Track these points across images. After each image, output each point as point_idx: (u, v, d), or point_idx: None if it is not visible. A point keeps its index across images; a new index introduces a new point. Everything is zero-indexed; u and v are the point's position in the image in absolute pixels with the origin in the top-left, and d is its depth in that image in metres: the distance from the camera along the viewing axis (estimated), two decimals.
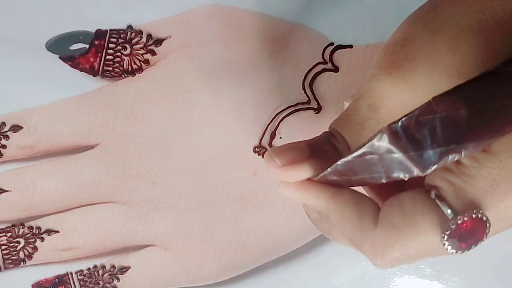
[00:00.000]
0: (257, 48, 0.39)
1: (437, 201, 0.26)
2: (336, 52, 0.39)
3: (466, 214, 0.25)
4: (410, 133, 0.24)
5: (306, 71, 0.39)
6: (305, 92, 0.39)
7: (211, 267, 0.39)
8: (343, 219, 0.28)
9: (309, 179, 0.29)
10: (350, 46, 0.39)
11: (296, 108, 0.39)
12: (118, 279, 0.40)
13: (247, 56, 0.39)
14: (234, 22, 0.40)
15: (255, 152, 0.39)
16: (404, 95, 0.28)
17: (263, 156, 0.39)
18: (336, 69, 0.39)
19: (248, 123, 0.39)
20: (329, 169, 0.27)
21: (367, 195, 0.29)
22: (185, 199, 0.39)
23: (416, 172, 0.25)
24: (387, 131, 0.25)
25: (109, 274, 0.40)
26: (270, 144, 0.39)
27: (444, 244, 0.25)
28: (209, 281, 0.40)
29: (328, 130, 0.30)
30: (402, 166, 0.25)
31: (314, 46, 0.39)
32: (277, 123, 0.39)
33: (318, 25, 0.39)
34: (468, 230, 0.25)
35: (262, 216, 0.39)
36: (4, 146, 0.40)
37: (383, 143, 0.25)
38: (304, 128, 0.39)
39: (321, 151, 0.29)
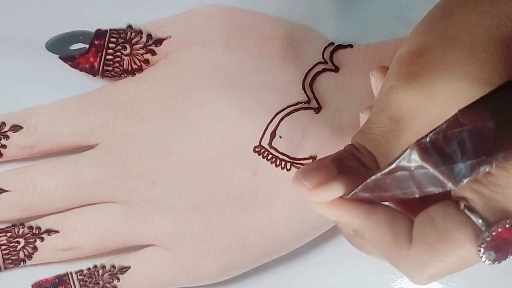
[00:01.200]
0: (257, 48, 0.39)
1: (468, 213, 0.26)
2: (337, 51, 0.39)
3: (499, 224, 0.25)
4: (439, 147, 0.25)
5: (306, 71, 0.39)
6: (305, 92, 0.39)
7: (211, 267, 0.39)
8: (378, 237, 0.28)
9: (340, 197, 0.28)
10: (351, 46, 0.39)
11: (296, 107, 0.39)
12: (118, 279, 0.40)
13: (247, 56, 0.39)
14: (234, 22, 0.40)
15: (255, 152, 0.39)
16: (425, 104, 0.28)
17: (263, 156, 0.39)
18: (336, 69, 0.39)
19: (248, 123, 0.39)
20: (359, 187, 0.27)
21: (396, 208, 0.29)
22: (185, 199, 0.39)
23: (449, 186, 0.25)
24: (417, 147, 0.25)
25: (109, 274, 0.40)
26: (270, 144, 0.39)
27: (481, 257, 0.25)
28: (209, 281, 0.40)
29: (351, 144, 0.30)
30: (435, 181, 0.25)
31: (314, 46, 0.39)
32: (277, 122, 0.39)
33: (318, 25, 0.39)
34: (504, 240, 0.25)
35: (262, 216, 0.39)
36: (4, 146, 0.40)
37: (413, 159, 0.25)
38: (304, 128, 0.39)
39: (348, 167, 0.28)
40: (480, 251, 0.25)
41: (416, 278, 0.27)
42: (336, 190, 0.28)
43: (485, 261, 0.25)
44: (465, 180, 0.25)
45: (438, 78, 0.28)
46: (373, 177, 0.27)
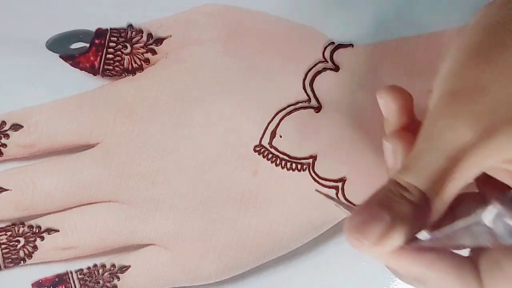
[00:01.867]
0: (257, 47, 0.39)
1: None
2: (337, 51, 0.39)
3: None
4: None
5: (307, 70, 0.39)
6: (306, 91, 0.39)
7: (211, 266, 0.39)
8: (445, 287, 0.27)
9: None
10: (351, 45, 0.39)
11: (296, 107, 0.39)
12: (118, 278, 0.40)
13: (247, 55, 0.39)
14: (234, 21, 0.39)
15: (255, 151, 0.39)
16: (486, 143, 0.27)
17: (263, 156, 0.39)
18: (336, 68, 0.39)
19: (248, 122, 0.39)
20: (426, 241, 0.27)
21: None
22: (185, 199, 0.39)
23: None
24: (498, 202, 0.25)
25: (109, 273, 0.40)
26: (270, 144, 0.39)
27: None
28: (209, 280, 0.40)
29: (396, 182, 0.28)
30: None
31: (314, 45, 0.39)
32: (277, 122, 0.39)
33: (318, 24, 0.39)
34: None
35: (262, 216, 0.39)
36: (4, 145, 0.40)
37: (494, 216, 0.25)
38: (304, 127, 0.39)
39: (400, 212, 0.27)
40: None
41: None
42: (396, 241, 0.27)
43: None
44: None
45: (502, 117, 0.27)
46: (444, 230, 0.26)
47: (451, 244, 0.27)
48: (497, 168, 0.28)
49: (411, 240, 0.27)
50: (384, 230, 0.26)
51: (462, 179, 0.28)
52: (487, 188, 0.30)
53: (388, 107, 0.33)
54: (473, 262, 0.27)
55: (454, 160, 0.27)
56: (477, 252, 0.28)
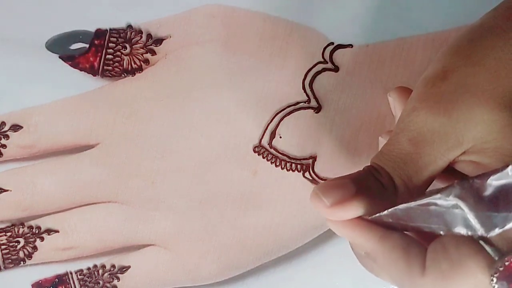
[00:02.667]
0: (257, 47, 0.39)
1: (482, 243, 0.26)
2: (336, 51, 0.39)
3: None
4: (481, 193, 0.25)
5: (306, 71, 0.39)
6: (305, 92, 0.39)
7: (211, 267, 0.39)
8: (391, 263, 0.28)
9: (358, 217, 0.28)
10: (350, 46, 0.39)
11: (296, 107, 0.39)
12: (118, 278, 0.40)
13: (247, 55, 0.39)
14: (234, 22, 0.39)
15: (255, 152, 0.39)
16: (445, 128, 0.28)
17: (263, 156, 0.39)
18: (336, 69, 0.39)
19: (248, 123, 0.39)
20: (386, 211, 0.27)
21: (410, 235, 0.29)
22: (185, 199, 0.39)
23: (480, 232, 0.25)
24: (458, 187, 0.25)
25: (109, 274, 0.40)
26: (270, 144, 0.39)
27: (494, 287, 0.25)
28: (209, 280, 0.40)
29: (370, 165, 0.30)
30: (466, 224, 0.25)
31: (314, 46, 0.39)
32: (277, 122, 0.39)
33: (318, 25, 0.39)
34: None
35: (262, 216, 0.39)
36: (4, 146, 0.40)
37: (451, 197, 0.25)
38: (304, 128, 0.39)
39: (367, 187, 0.28)
40: (492, 280, 0.25)
41: None
42: (354, 209, 0.28)
43: None
44: (498, 231, 0.25)
45: (459, 102, 0.28)
46: (404, 205, 0.27)
47: (407, 223, 0.27)
48: (461, 161, 0.29)
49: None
50: (345, 197, 0.28)
51: (426, 169, 0.29)
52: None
53: (396, 106, 0.34)
54: (423, 246, 0.28)
55: (416, 143, 0.28)
56: (430, 239, 0.28)
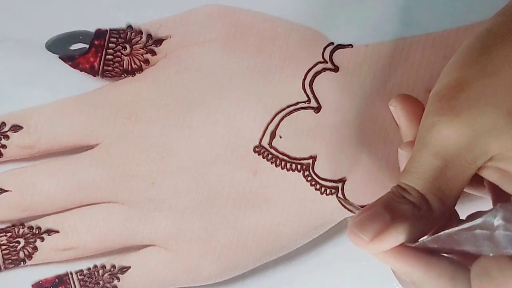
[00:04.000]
0: (257, 47, 0.39)
1: None
2: (336, 51, 0.39)
3: None
4: None
5: (306, 71, 0.39)
6: (305, 92, 0.39)
7: (211, 267, 0.39)
8: None
9: (401, 245, 0.28)
10: (350, 46, 0.39)
11: (296, 107, 0.39)
12: (118, 279, 0.40)
13: (247, 56, 0.39)
14: (234, 22, 0.39)
15: (255, 152, 0.39)
16: (469, 138, 0.28)
17: (263, 156, 0.39)
18: (336, 69, 0.39)
19: (248, 123, 0.39)
20: (429, 238, 0.27)
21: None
22: (185, 199, 0.39)
23: None
24: (502, 210, 0.25)
25: (109, 274, 0.40)
26: (270, 144, 0.39)
27: None
28: (209, 281, 0.40)
29: (397, 185, 0.30)
30: None
31: (314, 46, 0.39)
32: (277, 122, 0.39)
33: (318, 25, 0.39)
34: None
35: (262, 216, 0.39)
36: (4, 146, 0.40)
37: (497, 220, 0.25)
38: (304, 128, 0.39)
39: (401, 211, 0.28)
40: None
41: None
42: (394, 238, 0.28)
43: None
44: None
45: (480, 113, 0.28)
46: (447, 231, 0.27)
47: (452, 247, 0.27)
48: (488, 167, 0.29)
49: (414, 241, 0.28)
50: (382, 227, 0.28)
51: (457, 180, 0.29)
52: (498, 198, 0.31)
53: (399, 115, 0.34)
54: (467, 271, 0.28)
55: (443, 157, 0.28)
56: (473, 258, 0.28)
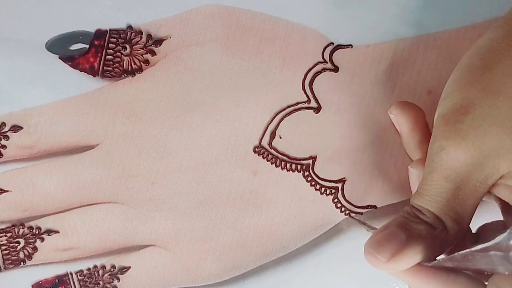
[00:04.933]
0: (257, 48, 0.39)
1: None
2: (336, 52, 0.39)
3: None
4: None
5: (306, 71, 0.39)
6: (305, 92, 0.39)
7: (211, 267, 0.39)
8: None
9: (418, 264, 0.29)
10: (350, 46, 0.39)
11: (295, 107, 0.39)
12: (118, 279, 0.40)
13: (247, 56, 0.39)
14: (234, 22, 0.39)
15: (255, 152, 0.39)
16: (479, 159, 0.29)
17: (263, 156, 0.39)
18: (336, 69, 0.39)
19: (248, 123, 0.39)
20: (445, 257, 0.28)
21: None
22: (185, 199, 0.39)
23: None
24: None
25: (109, 274, 0.40)
26: (270, 144, 0.39)
27: None
28: (209, 281, 0.40)
29: (411, 206, 0.30)
30: None
31: (314, 46, 0.39)
32: (277, 122, 0.39)
33: (318, 25, 0.39)
34: None
35: (262, 216, 0.39)
36: (4, 146, 0.40)
37: (508, 239, 0.25)
38: (304, 128, 0.39)
39: (416, 231, 0.29)
40: None
41: None
42: (411, 258, 0.28)
43: None
44: None
45: (487, 134, 0.28)
46: (462, 252, 0.27)
47: (467, 266, 0.28)
48: (498, 185, 0.29)
49: (430, 261, 0.28)
50: (398, 248, 0.28)
51: (470, 200, 0.29)
52: (508, 213, 0.31)
53: (400, 123, 0.34)
54: (484, 285, 0.28)
55: (453, 179, 0.29)
56: (489, 275, 0.28)
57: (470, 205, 0.30)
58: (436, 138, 0.30)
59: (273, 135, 0.39)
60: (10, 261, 0.40)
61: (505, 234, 0.26)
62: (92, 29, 0.40)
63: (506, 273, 0.26)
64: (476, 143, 0.29)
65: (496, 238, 0.26)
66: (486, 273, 0.29)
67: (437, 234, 0.29)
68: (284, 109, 0.39)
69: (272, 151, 0.39)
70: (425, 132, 0.35)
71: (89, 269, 0.40)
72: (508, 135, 0.28)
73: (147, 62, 0.40)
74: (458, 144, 0.29)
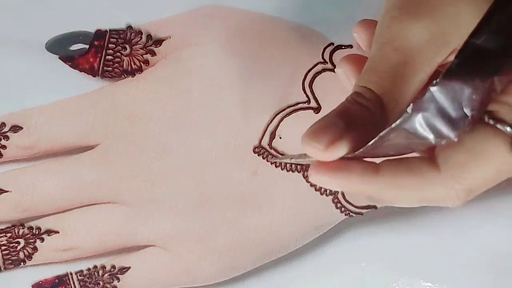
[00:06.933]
0: (257, 48, 0.39)
1: (496, 124, 0.25)
2: (336, 52, 0.39)
3: None
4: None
5: (306, 71, 0.39)
6: (305, 92, 0.39)
7: (211, 267, 0.39)
8: (402, 189, 0.27)
9: (341, 160, 0.27)
10: (350, 46, 0.39)
11: (295, 108, 0.39)
12: (118, 279, 0.40)
13: (247, 56, 0.39)
14: (234, 22, 0.40)
15: (255, 152, 0.39)
16: (431, 29, 0.27)
17: (263, 157, 0.39)
18: None
19: (248, 123, 0.39)
20: (368, 144, 0.26)
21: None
22: (185, 199, 0.39)
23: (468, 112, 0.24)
24: (415, 103, 0.24)
25: (109, 275, 0.40)
26: (270, 145, 0.39)
27: None
28: (209, 281, 0.40)
29: (353, 92, 0.29)
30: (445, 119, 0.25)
31: (314, 46, 0.39)
32: (276, 123, 0.39)
33: (318, 25, 0.39)
34: None
35: (262, 216, 0.39)
36: (4, 147, 0.40)
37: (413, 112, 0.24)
38: (303, 128, 0.38)
39: (355, 118, 0.27)
40: None
41: (453, 199, 0.26)
42: (347, 147, 0.27)
43: None
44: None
45: (442, 8, 0.27)
46: (371, 142, 0.26)
47: (391, 146, 0.26)
48: (449, 62, 0.28)
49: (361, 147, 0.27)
50: (336, 136, 0.26)
51: (415, 78, 0.28)
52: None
53: (363, 40, 0.33)
54: (422, 156, 0.27)
55: (404, 51, 0.27)
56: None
57: (413, 85, 0.28)
58: (388, 11, 0.29)
59: (273, 135, 0.39)
60: (10, 261, 0.40)
61: (408, 107, 0.24)
62: (92, 29, 0.40)
63: (433, 142, 0.25)
64: (430, 10, 0.27)
65: (402, 115, 0.25)
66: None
67: (376, 119, 0.27)
68: (284, 109, 0.39)
69: (272, 151, 0.39)
70: None
71: (89, 269, 0.40)
72: (463, 1, 0.27)
73: (147, 62, 0.40)
74: (412, 12, 0.28)
